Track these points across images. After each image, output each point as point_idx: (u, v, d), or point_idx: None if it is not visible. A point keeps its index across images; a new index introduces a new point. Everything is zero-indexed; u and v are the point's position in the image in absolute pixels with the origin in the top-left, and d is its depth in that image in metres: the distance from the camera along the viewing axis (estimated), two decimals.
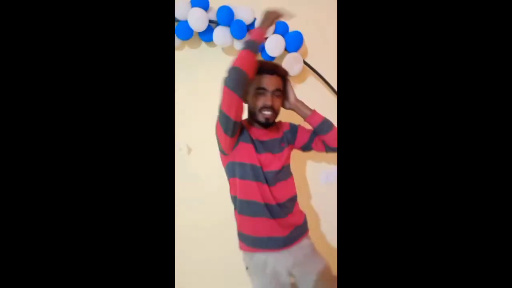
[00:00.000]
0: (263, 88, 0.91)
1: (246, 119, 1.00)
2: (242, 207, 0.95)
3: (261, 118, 0.92)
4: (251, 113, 0.96)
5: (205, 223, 1.33)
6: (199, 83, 1.30)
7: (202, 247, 1.35)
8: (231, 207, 1.02)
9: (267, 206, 0.91)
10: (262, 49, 1.24)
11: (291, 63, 1.24)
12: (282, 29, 1.23)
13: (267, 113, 0.91)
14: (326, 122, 0.98)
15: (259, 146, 0.94)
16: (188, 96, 1.27)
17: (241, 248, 1.00)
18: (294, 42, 1.24)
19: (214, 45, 1.28)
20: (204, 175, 1.33)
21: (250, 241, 0.96)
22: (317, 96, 1.36)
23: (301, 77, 1.39)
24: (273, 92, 0.91)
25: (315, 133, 1.01)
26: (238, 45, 1.23)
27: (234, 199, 0.99)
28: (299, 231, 0.99)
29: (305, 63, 1.30)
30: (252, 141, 0.93)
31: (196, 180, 1.33)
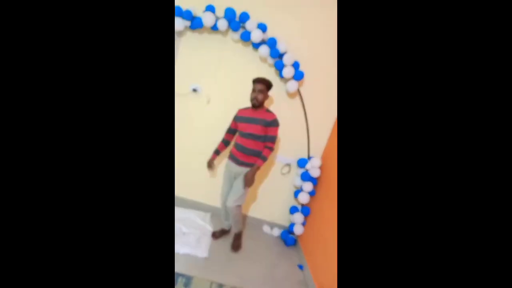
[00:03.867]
0: (253, 89, 1.95)
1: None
2: (236, 139, 2.09)
3: (251, 102, 1.96)
4: (250, 100, 1.96)
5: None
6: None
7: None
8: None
9: (239, 145, 2.02)
10: (281, 69, 2.17)
11: (291, 85, 2.19)
12: (295, 65, 2.17)
13: (253, 101, 1.94)
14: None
15: (244, 120, 2.00)
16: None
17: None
18: (298, 75, 2.19)
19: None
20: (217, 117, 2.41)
21: (230, 154, 2.11)
22: (290, 111, 2.36)
23: (293, 95, 2.36)
24: (257, 91, 1.92)
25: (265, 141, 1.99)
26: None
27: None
28: (249, 164, 2.03)
29: (298, 90, 2.27)
30: (240, 119, 2.03)
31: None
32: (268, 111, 1.98)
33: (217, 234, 2.31)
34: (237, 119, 2.03)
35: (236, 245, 2.23)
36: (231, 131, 2.11)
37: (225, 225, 2.35)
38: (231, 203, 2.02)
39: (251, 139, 1.94)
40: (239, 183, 2.01)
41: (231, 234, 2.37)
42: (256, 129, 1.92)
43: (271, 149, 1.93)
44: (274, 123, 1.93)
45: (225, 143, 2.13)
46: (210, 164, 2.11)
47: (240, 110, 2.06)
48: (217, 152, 2.13)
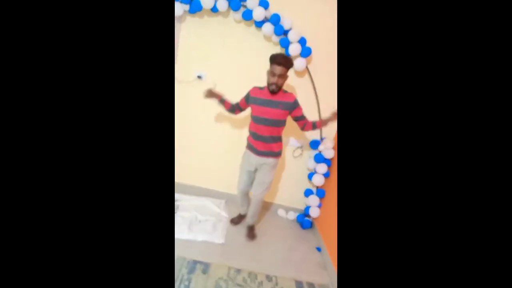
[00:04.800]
0: (272, 72, 1.68)
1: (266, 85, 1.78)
2: (250, 127, 1.91)
3: (269, 88, 1.72)
4: (267, 83, 1.73)
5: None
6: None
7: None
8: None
9: (254, 133, 1.86)
10: (287, 47, 2.06)
11: (299, 63, 2.08)
12: (301, 41, 2.04)
13: (272, 87, 1.70)
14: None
15: (260, 102, 1.78)
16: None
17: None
18: (305, 52, 2.07)
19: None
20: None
21: (247, 143, 1.96)
22: (305, 90, 2.26)
23: (302, 73, 2.25)
24: (278, 76, 1.66)
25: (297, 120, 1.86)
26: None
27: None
28: (271, 153, 1.89)
29: (306, 67, 2.15)
30: (254, 101, 1.80)
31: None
32: (285, 91, 1.77)
33: (236, 220, 2.30)
34: (250, 100, 1.81)
35: (252, 235, 2.17)
36: (238, 106, 1.93)
37: (241, 211, 2.33)
38: (258, 195, 1.98)
39: (266, 125, 1.77)
40: (263, 174, 1.93)
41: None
42: (274, 114, 1.74)
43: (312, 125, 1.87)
44: (298, 103, 1.79)
45: (230, 106, 1.95)
46: (209, 94, 1.88)
47: (255, 89, 1.81)
48: (221, 101, 1.92)
